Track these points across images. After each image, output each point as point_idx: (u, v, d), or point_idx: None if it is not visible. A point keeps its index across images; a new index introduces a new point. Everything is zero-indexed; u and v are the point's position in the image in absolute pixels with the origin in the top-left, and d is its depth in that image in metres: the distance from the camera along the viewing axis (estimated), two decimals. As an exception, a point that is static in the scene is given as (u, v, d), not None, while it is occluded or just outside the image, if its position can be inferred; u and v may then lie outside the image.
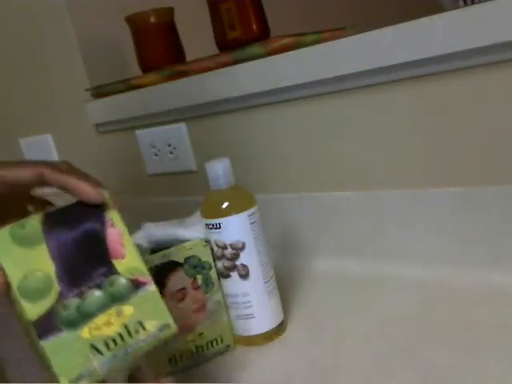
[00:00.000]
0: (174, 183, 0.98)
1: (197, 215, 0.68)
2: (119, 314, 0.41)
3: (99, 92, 1.03)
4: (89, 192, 0.43)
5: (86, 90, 1.04)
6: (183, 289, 0.59)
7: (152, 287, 0.43)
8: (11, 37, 1.16)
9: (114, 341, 0.40)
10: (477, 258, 0.64)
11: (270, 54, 0.77)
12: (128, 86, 0.97)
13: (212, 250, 0.61)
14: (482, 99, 0.61)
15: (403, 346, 0.55)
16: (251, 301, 0.61)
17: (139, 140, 1.00)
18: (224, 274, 0.61)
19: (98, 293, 0.41)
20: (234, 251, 0.60)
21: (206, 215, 0.61)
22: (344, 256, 0.77)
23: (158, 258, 0.58)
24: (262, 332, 0.62)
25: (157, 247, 0.67)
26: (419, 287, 0.65)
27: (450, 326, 0.56)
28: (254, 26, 0.82)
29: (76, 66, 1.06)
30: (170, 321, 0.43)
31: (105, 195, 0.43)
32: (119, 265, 0.43)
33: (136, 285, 0.43)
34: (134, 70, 1.02)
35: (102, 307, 0.41)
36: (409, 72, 0.65)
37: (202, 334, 0.61)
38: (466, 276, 0.64)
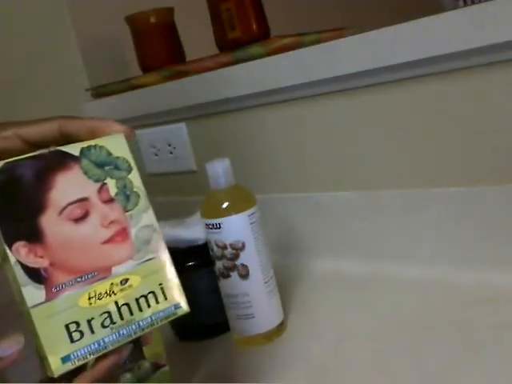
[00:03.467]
0: (174, 183, 0.98)
1: (197, 215, 0.69)
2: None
3: (99, 92, 1.03)
4: (117, 125, 0.40)
5: (86, 90, 1.04)
6: (84, 200, 0.37)
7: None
8: (11, 37, 1.16)
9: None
10: (477, 257, 0.64)
11: (269, 54, 0.77)
12: (128, 85, 0.97)
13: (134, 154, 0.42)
14: (482, 99, 0.61)
15: (403, 346, 0.55)
16: (251, 301, 0.61)
17: (139, 140, 1.00)
18: (224, 274, 0.61)
19: (128, 375, 0.46)
20: (234, 251, 0.60)
21: (205, 215, 0.61)
22: (344, 256, 0.77)
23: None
24: (262, 332, 0.62)
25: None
26: (419, 287, 0.65)
27: (450, 326, 0.56)
28: (254, 26, 0.82)
29: (76, 66, 1.06)
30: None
31: None
32: (146, 350, 0.47)
33: (156, 367, 0.49)
34: (134, 69, 1.02)
35: None
36: (409, 72, 0.65)
37: (126, 281, 0.38)
38: (466, 276, 0.64)
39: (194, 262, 0.66)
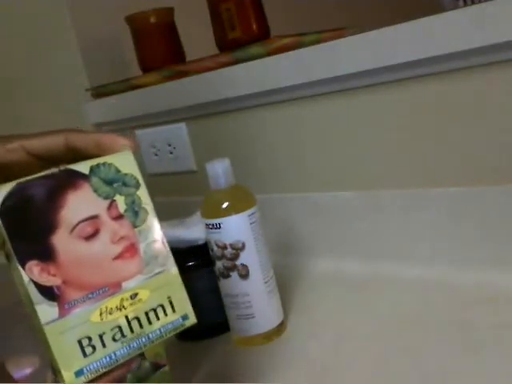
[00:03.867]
0: (174, 183, 0.98)
1: (197, 215, 0.69)
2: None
3: (99, 92, 1.03)
4: (122, 139, 0.40)
5: (86, 90, 1.04)
6: (94, 217, 0.38)
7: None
8: (11, 37, 1.16)
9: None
10: (477, 257, 0.64)
11: (269, 54, 0.77)
12: (128, 85, 0.97)
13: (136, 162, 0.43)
14: (482, 99, 0.61)
15: (403, 346, 0.55)
16: (251, 301, 0.61)
17: (139, 140, 1.00)
18: (224, 274, 0.61)
19: (128, 375, 0.45)
20: (234, 251, 0.60)
21: (205, 215, 0.61)
22: (344, 256, 0.77)
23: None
24: (262, 332, 0.62)
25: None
26: (419, 287, 0.65)
27: (450, 326, 0.56)
28: (254, 26, 0.83)
29: (76, 66, 1.06)
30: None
31: None
32: (146, 350, 0.45)
33: (156, 367, 0.48)
34: (134, 70, 1.02)
35: None
36: (409, 72, 0.65)
37: (135, 295, 0.38)
38: (466, 276, 0.64)
39: (194, 262, 0.66)
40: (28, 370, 0.36)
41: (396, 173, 0.71)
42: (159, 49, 0.97)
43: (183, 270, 0.66)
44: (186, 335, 0.68)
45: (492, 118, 0.61)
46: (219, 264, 0.61)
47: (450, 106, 0.64)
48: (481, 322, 0.55)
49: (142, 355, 0.50)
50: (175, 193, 0.99)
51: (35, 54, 1.14)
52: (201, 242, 0.66)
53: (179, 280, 0.40)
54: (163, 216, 0.72)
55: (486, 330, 0.54)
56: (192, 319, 0.40)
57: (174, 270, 0.40)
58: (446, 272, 0.66)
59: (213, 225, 0.60)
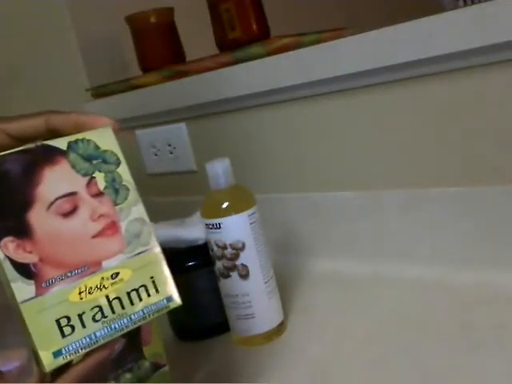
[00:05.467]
0: (174, 183, 0.98)
1: (197, 215, 0.69)
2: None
3: (99, 92, 1.03)
4: (102, 118, 0.39)
5: (86, 90, 1.04)
6: (72, 194, 0.37)
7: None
8: (11, 37, 1.16)
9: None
10: (477, 257, 0.64)
11: (269, 54, 0.77)
12: (128, 85, 0.97)
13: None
14: (482, 99, 0.61)
15: (403, 346, 0.55)
16: (251, 301, 0.61)
17: (139, 140, 1.00)
18: (224, 274, 0.61)
19: (128, 375, 0.47)
20: (234, 251, 0.60)
21: (205, 215, 0.61)
22: (344, 256, 0.77)
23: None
24: (262, 332, 0.62)
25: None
26: (419, 287, 0.65)
27: (450, 326, 0.56)
28: (254, 26, 0.83)
29: (76, 66, 1.06)
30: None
31: None
32: (146, 350, 0.48)
33: (156, 367, 0.50)
34: (134, 70, 1.02)
35: None
36: (409, 72, 0.65)
37: (116, 275, 0.37)
38: (466, 276, 0.64)
39: (194, 262, 0.66)
40: (16, 363, 0.36)
41: (396, 173, 0.71)
42: (159, 49, 0.97)
43: (183, 270, 0.66)
44: (186, 335, 0.68)
45: (492, 118, 0.61)
46: (219, 264, 0.61)
47: (450, 106, 0.64)
48: (481, 321, 0.55)
49: (141, 356, 0.50)
50: (175, 193, 0.99)
51: (35, 54, 1.14)
52: (201, 242, 0.66)
53: (163, 260, 0.39)
54: (163, 216, 0.72)
55: (486, 329, 0.54)
56: (176, 301, 0.39)
57: (157, 249, 0.39)
58: (446, 272, 0.66)
59: (213, 225, 0.60)
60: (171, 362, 0.55)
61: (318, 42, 0.74)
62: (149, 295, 0.38)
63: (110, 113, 1.05)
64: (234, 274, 0.60)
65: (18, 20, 1.13)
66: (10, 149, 0.36)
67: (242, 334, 0.62)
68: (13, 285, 0.34)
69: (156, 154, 0.98)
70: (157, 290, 0.38)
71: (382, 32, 0.64)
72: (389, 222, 0.72)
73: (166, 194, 1.00)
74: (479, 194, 0.63)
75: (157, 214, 0.79)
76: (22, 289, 0.34)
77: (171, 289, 0.39)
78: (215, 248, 0.60)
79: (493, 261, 0.63)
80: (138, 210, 0.39)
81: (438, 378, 0.49)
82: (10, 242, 0.35)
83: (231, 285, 0.61)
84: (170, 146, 0.95)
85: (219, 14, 0.82)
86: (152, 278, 0.38)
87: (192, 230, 0.67)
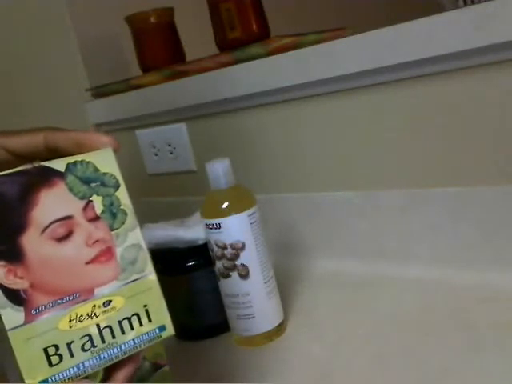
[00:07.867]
0: (174, 183, 0.98)
1: (197, 215, 0.69)
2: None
3: (99, 92, 1.03)
4: (102, 137, 0.38)
5: (86, 90, 1.04)
6: (68, 218, 0.36)
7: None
8: (11, 37, 1.16)
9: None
10: (477, 257, 0.64)
11: (269, 54, 0.77)
12: (128, 85, 0.97)
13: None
14: (482, 99, 0.61)
15: (403, 346, 0.55)
16: (251, 301, 0.61)
17: (139, 140, 1.00)
18: (224, 274, 0.61)
19: None
20: (234, 251, 0.60)
21: (205, 215, 0.61)
22: (344, 256, 0.77)
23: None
24: (262, 332, 0.62)
25: (157, 248, 0.67)
26: (419, 287, 0.65)
27: (450, 326, 0.56)
28: (254, 26, 0.82)
29: (76, 66, 1.06)
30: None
31: None
32: (146, 350, 0.45)
33: (156, 367, 0.49)
34: (134, 70, 1.02)
35: None
36: (409, 72, 0.65)
37: (108, 303, 0.36)
38: (466, 276, 0.64)
39: (194, 262, 0.66)
40: None
41: (396, 173, 0.71)
42: (159, 49, 0.97)
43: (183, 270, 0.66)
44: (185, 335, 0.68)
45: (492, 118, 0.61)
46: (219, 264, 0.61)
47: (450, 106, 0.64)
48: (481, 321, 0.55)
49: (141, 355, 0.50)
50: (175, 193, 0.99)
51: (35, 54, 1.14)
52: (201, 242, 0.66)
53: (158, 288, 0.37)
54: (163, 216, 0.72)
55: (486, 329, 0.54)
56: (169, 330, 0.38)
57: (152, 276, 0.37)
58: (446, 272, 0.66)
59: (213, 225, 0.60)
60: (171, 362, 0.55)
61: (317, 42, 0.74)
62: (141, 324, 0.37)
63: (110, 113, 1.06)
64: (234, 274, 0.60)
65: (18, 20, 1.13)
66: (8, 164, 0.36)
67: (241, 333, 0.62)
68: (1, 311, 0.33)
69: (156, 154, 0.98)
70: (149, 319, 0.37)
71: (382, 32, 0.64)
72: (389, 222, 0.72)
73: (166, 194, 1.00)
74: (479, 193, 0.63)
75: (157, 214, 0.79)
76: (11, 315, 0.34)
77: (165, 318, 0.38)
78: (215, 248, 0.61)
79: (493, 261, 0.63)
80: (135, 236, 0.38)
81: (438, 378, 0.49)
82: (1, 267, 0.33)
83: (231, 285, 0.61)
84: (170, 146, 0.95)
85: (219, 13, 0.82)
86: (145, 306, 0.37)
87: (192, 230, 0.67)
